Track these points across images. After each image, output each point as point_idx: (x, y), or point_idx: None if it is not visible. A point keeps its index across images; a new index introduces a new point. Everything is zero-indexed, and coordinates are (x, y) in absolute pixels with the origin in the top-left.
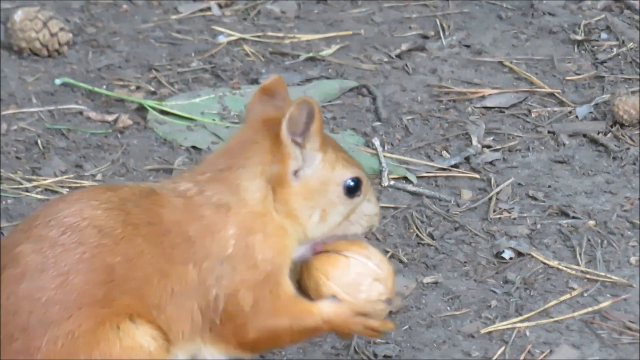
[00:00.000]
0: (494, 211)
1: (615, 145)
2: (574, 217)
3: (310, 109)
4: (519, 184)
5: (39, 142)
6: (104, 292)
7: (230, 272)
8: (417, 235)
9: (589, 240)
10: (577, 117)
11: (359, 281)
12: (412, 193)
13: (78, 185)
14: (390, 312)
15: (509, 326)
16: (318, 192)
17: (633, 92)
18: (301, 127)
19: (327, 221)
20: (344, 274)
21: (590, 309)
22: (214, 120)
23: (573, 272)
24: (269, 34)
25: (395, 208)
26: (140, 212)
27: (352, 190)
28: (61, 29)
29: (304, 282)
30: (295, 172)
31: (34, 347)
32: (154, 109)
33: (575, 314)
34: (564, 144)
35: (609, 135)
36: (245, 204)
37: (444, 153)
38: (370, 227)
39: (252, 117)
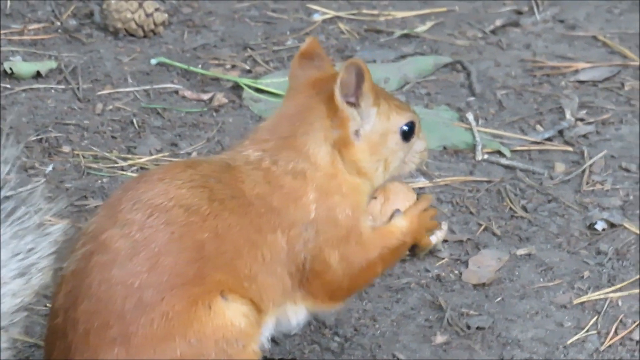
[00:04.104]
0: (587, 183)
1: None
2: None
3: (359, 69)
4: (612, 156)
5: (134, 121)
6: (195, 270)
7: (314, 235)
8: (510, 208)
9: None
10: None
11: (406, 191)
12: (506, 167)
13: None
14: None
15: (602, 296)
16: (379, 144)
17: None
18: (353, 88)
19: (389, 169)
20: (394, 194)
21: None
22: None
23: None
24: (364, 11)
25: (489, 182)
26: (222, 187)
27: (408, 134)
28: (156, 10)
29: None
30: (356, 132)
31: (130, 332)
32: (249, 87)
33: None
34: None
35: None
36: (318, 168)
37: (538, 127)
38: (422, 162)
39: (298, 82)
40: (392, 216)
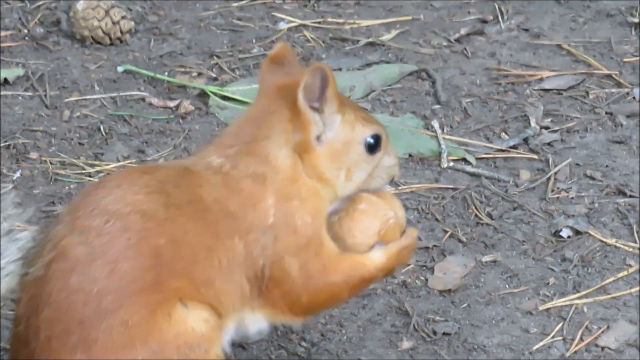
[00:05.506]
0: (552, 191)
1: None
2: (631, 196)
3: (324, 74)
4: (577, 164)
5: (101, 128)
6: (153, 277)
7: (273, 241)
8: (476, 215)
9: None
10: (634, 98)
11: (388, 217)
12: (471, 174)
13: None
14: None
15: (567, 303)
16: (342, 153)
17: None
18: (317, 93)
19: (353, 179)
20: (374, 220)
21: None
22: None
23: (630, 249)
24: (329, 20)
25: (454, 189)
26: (180, 193)
27: (373, 147)
28: (123, 18)
29: (344, 243)
30: (318, 137)
31: (91, 339)
32: (215, 94)
33: (633, 290)
34: (622, 125)
35: None
36: (278, 172)
37: (503, 135)
38: (391, 178)
39: (266, 86)
40: (372, 246)
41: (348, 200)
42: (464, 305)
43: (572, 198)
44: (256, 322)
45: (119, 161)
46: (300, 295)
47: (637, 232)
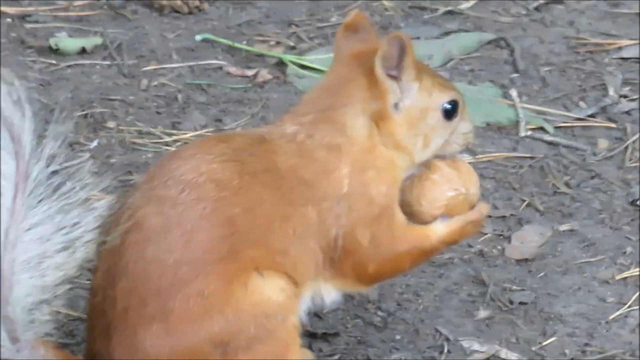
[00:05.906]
0: (630, 160)
1: None
2: None
3: (402, 43)
4: None
5: (179, 97)
6: (229, 246)
7: (347, 211)
8: (553, 184)
9: None
10: None
11: (458, 193)
12: (549, 143)
13: None
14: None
15: None
16: (419, 120)
17: None
18: (395, 61)
19: (430, 146)
20: (443, 193)
21: None
22: None
23: None
24: None
25: (532, 158)
26: (254, 161)
27: (450, 112)
28: None
29: (409, 209)
30: (396, 105)
31: (167, 309)
32: (293, 63)
33: None
34: None
35: None
36: (354, 142)
37: (581, 103)
38: (467, 144)
39: (342, 54)
40: (436, 218)
41: (424, 167)
42: (541, 274)
43: None
44: (329, 292)
45: (196, 130)
46: (368, 265)
47: None
